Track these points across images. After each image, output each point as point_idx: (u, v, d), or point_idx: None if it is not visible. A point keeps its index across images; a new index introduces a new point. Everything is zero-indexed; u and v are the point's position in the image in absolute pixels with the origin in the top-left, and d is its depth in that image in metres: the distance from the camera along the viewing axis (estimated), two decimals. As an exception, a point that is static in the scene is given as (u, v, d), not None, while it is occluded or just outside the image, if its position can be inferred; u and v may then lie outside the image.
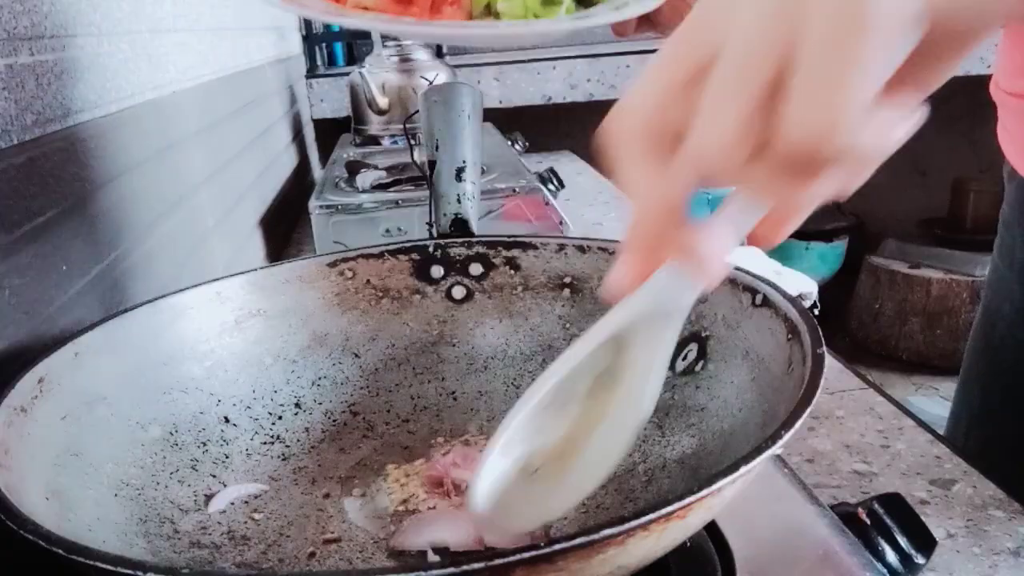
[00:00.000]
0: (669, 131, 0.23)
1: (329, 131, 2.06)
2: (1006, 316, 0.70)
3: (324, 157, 2.05)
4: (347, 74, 1.68)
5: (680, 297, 0.28)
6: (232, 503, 0.48)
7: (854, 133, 0.20)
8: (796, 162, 0.21)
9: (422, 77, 1.51)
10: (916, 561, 0.46)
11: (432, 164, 0.69)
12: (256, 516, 0.48)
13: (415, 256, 0.60)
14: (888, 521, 0.47)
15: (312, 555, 0.46)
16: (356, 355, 0.58)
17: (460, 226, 0.66)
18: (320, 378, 0.57)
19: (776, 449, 0.32)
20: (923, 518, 0.48)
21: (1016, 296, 0.69)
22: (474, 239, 0.61)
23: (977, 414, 0.74)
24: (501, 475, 0.33)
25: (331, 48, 2.55)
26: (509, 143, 1.57)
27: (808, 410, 0.34)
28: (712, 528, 0.44)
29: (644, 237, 0.24)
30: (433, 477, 0.50)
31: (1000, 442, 0.71)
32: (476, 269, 0.60)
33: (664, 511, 0.29)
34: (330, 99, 2.15)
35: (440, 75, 1.52)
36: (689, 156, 0.23)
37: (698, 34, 0.23)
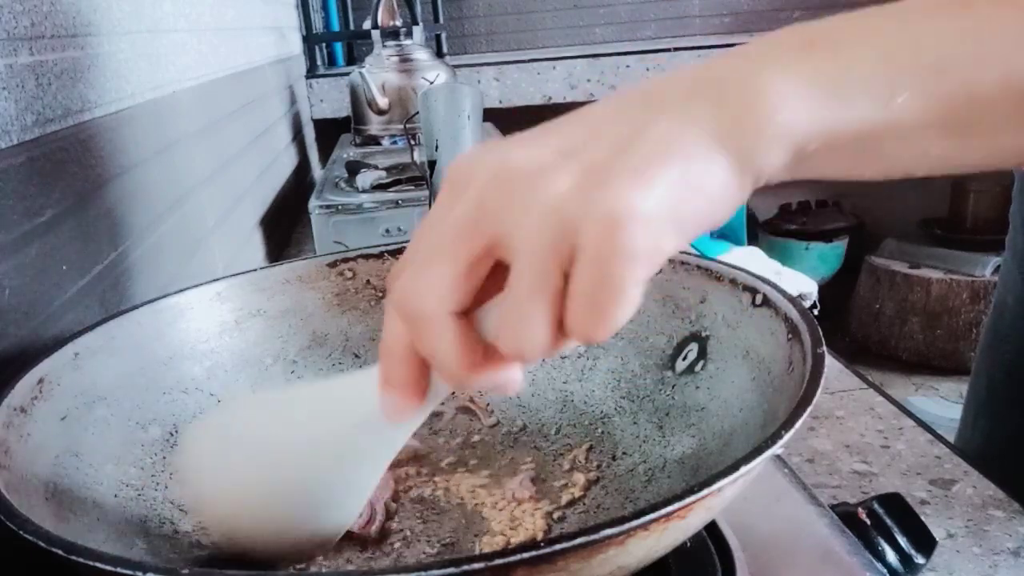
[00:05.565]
0: (463, 303, 0.28)
1: (329, 131, 2.06)
2: (1011, 309, 0.71)
3: (324, 157, 2.05)
4: (347, 74, 1.68)
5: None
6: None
7: (619, 324, 0.26)
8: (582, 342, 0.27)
9: (422, 77, 1.51)
10: (916, 561, 0.46)
11: (432, 164, 0.69)
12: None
13: (415, 256, 0.60)
14: (888, 521, 0.47)
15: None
16: (356, 355, 0.58)
17: (460, 226, 0.65)
18: (320, 378, 0.57)
19: (776, 449, 0.32)
20: (923, 518, 0.48)
21: (1020, 289, 0.70)
22: (474, 239, 0.61)
23: (984, 404, 0.74)
24: None
25: (331, 48, 2.54)
26: (509, 143, 1.56)
27: (808, 410, 0.34)
28: (712, 528, 0.44)
29: (454, 375, 0.29)
30: None
31: (1002, 432, 0.71)
32: (476, 269, 0.60)
33: (664, 511, 0.29)
34: (330, 99, 2.15)
35: (440, 75, 1.52)
36: (510, 351, 0.28)
37: (482, 225, 0.27)
